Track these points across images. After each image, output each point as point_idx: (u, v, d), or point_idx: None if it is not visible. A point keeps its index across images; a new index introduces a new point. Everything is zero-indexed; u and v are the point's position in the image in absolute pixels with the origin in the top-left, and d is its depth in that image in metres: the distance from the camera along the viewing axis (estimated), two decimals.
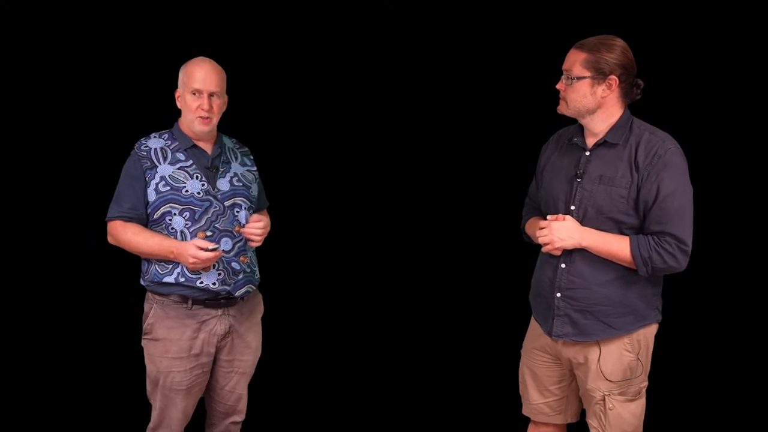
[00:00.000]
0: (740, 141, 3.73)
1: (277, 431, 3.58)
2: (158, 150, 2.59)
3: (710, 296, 3.79)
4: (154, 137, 2.62)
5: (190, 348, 2.59)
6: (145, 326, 2.63)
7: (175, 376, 2.60)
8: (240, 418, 2.82)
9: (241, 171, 2.70)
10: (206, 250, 2.46)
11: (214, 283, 2.56)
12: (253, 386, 2.87)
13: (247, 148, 2.81)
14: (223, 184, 2.62)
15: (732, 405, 3.76)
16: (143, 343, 2.65)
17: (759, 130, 3.72)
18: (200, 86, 2.54)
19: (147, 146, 2.60)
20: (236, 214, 2.62)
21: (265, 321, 2.85)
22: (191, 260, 2.46)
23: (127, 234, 2.56)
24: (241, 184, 2.67)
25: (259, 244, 2.60)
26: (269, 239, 2.75)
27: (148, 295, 2.64)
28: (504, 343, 3.03)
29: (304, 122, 3.80)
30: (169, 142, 2.61)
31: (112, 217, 2.59)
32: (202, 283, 2.55)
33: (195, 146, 2.61)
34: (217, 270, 2.57)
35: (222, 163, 2.65)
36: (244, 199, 2.66)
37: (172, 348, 2.58)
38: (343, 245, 3.89)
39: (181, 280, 2.55)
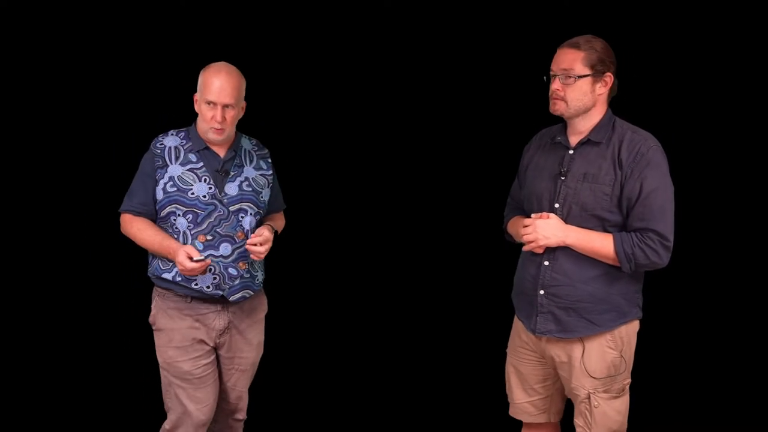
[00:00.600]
0: (718, 138, 3.76)
1: (279, 430, 3.59)
2: (172, 149, 2.60)
3: (692, 292, 3.80)
4: (172, 135, 2.64)
5: (193, 336, 2.61)
6: (150, 318, 2.68)
7: (183, 365, 2.61)
8: (241, 416, 2.83)
9: (253, 175, 2.69)
10: (193, 259, 2.48)
11: (207, 287, 2.58)
12: (255, 386, 2.87)
13: (266, 151, 2.79)
14: (232, 189, 2.62)
15: (715, 401, 3.76)
16: (154, 333, 2.69)
17: (737, 127, 3.75)
18: (214, 99, 2.53)
19: (162, 144, 2.61)
20: (240, 219, 2.62)
21: (267, 320, 2.85)
22: (179, 267, 2.51)
23: (133, 228, 2.62)
24: (250, 189, 2.66)
25: (260, 258, 2.59)
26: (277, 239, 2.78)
27: (155, 287, 2.69)
28: (493, 344, 3.04)
29: (302, 122, 3.83)
30: (184, 141, 2.62)
31: (123, 209, 2.65)
32: (196, 285, 2.58)
33: (207, 148, 2.61)
34: (213, 274, 2.58)
35: (234, 167, 2.65)
36: (251, 205, 2.65)
37: (175, 337, 2.62)
38: (335, 246, 3.92)
39: (178, 279, 2.58)
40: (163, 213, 2.59)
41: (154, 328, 2.67)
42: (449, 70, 3.82)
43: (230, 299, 2.62)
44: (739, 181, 3.79)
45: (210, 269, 2.56)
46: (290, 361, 3.81)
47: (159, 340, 2.66)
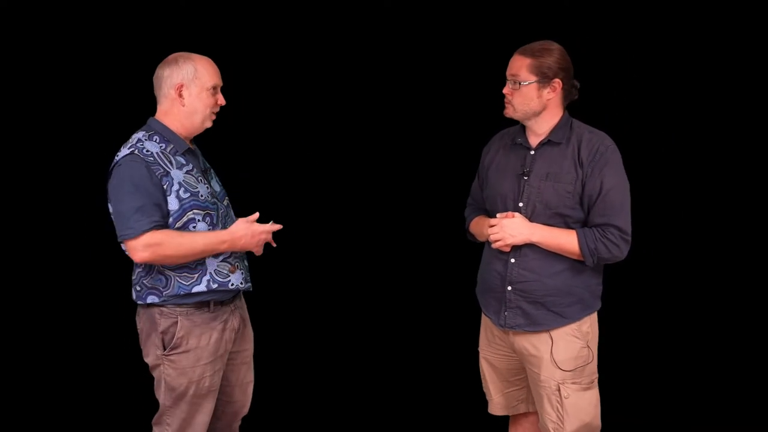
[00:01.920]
0: (670, 133, 3.86)
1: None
2: (160, 154, 2.41)
3: (650, 285, 3.90)
4: (146, 140, 2.43)
5: (217, 349, 2.53)
6: (174, 341, 2.45)
7: (206, 381, 2.51)
8: (244, 411, 2.76)
9: (212, 170, 2.67)
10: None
11: (241, 282, 2.55)
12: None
13: None
14: (216, 186, 2.59)
15: (683, 394, 3.83)
16: (170, 359, 2.47)
17: (689, 121, 3.85)
18: (219, 81, 2.48)
19: (149, 150, 2.39)
20: (231, 213, 2.61)
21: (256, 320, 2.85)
22: (259, 237, 2.43)
23: (173, 240, 2.35)
24: (221, 185, 2.65)
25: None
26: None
27: (162, 310, 2.46)
28: (464, 342, 3.09)
29: (300, 122, 3.87)
30: (163, 145, 2.44)
31: (144, 229, 2.32)
32: (233, 285, 2.51)
33: (190, 149, 2.50)
34: (240, 269, 2.54)
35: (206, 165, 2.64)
36: (228, 200, 2.65)
37: (204, 354, 2.49)
38: (323, 247, 3.96)
39: (214, 286, 2.46)
40: (180, 223, 2.40)
41: (180, 350, 2.46)
42: (449, 70, 3.88)
43: (251, 289, 2.64)
44: (686, 174, 3.89)
45: (237, 266, 2.53)
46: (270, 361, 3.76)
47: (186, 361, 2.47)
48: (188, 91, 2.44)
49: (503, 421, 2.86)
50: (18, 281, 3.71)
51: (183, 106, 2.46)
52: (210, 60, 2.50)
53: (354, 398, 3.87)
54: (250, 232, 2.43)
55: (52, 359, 3.76)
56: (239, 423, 2.78)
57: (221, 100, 2.51)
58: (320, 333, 4.00)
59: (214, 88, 2.47)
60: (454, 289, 3.53)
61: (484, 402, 2.81)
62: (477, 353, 2.79)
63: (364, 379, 3.96)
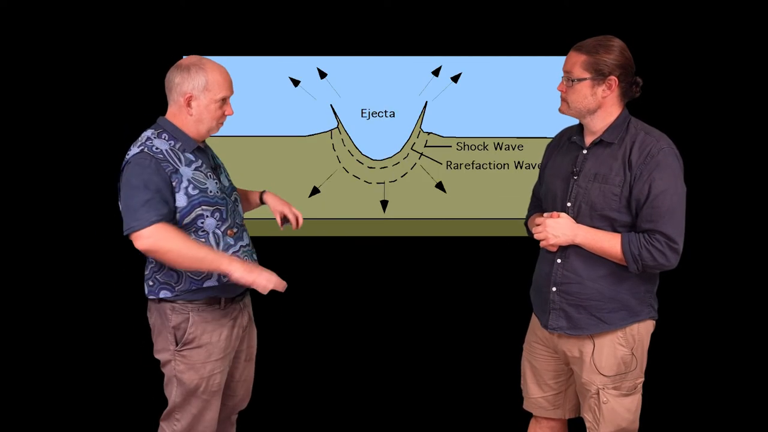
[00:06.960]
0: (736, 139, 3.67)
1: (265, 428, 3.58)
2: (170, 151, 2.45)
3: (707, 295, 3.74)
4: (155, 138, 2.47)
5: (227, 346, 2.59)
6: (186, 337, 2.52)
7: (216, 378, 2.57)
8: (243, 406, 2.84)
9: (223, 166, 2.70)
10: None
11: None
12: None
13: None
14: (225, 180, 2.62)
15: (727, 405, 3.68)
16: (182, 354, 2.53)
17: (755, 128, 3.65)
18: (230, 93, 2.51)
19: (159, 148, 2.44)
20: (238, 207, 2.66)
21: (262, 320, 2.91)
22: (266, 282, 2.42)
23: (176, 238, 2.37)
24: (230, 179, 2.70)
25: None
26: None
27: (174, 306, 2.52)
28: (508, 339, 3.08)
29: (301, 121, 3.83)
30: (172, 142, 2.47)
31: (151, 220, 2.35)
32: None
33: (199, 147, 2.54)
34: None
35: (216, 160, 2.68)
36: (237, 193, 2.69)
37: (215, 350, 2.55)
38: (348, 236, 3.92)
39: (225, 279, 2.49)
40: (188, 219, 2.45)
41: (191, 346, 2.53)
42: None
43: None
44: (757, 183, 3.69)
45: (247, 261, 2.54)
46: (282, 361, 3.84)
47: (197, 357, 2.53)
48: (197, 102, 2.48)
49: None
50: (27, 280, 3.76)
51: (190, 115, 2.49)
52: (223, 70, 2.51)
53: (391, 388, 3.85)
54: (267, 277, 2.45)
55: (62, 356, 3.79)
56: (236, 416, 2.86)
57: (229, 111, 2.53)
58: (326, 330, 3.95)
59: (223, 99, 2.50)
60: (511, 287, 3.48)
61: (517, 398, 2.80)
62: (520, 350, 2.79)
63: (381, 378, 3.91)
